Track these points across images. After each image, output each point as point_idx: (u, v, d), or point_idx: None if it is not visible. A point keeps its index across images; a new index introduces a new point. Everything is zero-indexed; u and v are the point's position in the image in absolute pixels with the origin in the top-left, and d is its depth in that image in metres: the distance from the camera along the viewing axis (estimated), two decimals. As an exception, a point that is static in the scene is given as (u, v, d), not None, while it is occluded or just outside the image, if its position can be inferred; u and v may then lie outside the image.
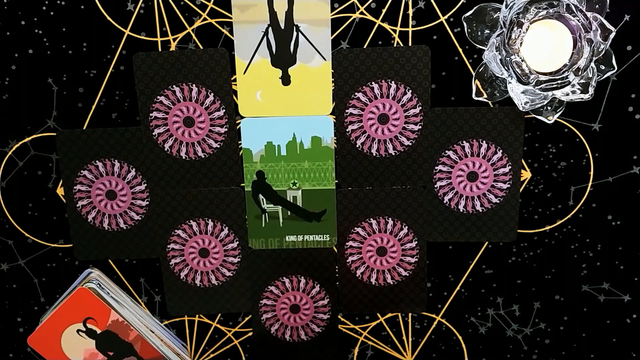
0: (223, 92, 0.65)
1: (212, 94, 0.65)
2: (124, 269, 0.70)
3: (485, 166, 0.66)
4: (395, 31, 0.63)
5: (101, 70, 0.65)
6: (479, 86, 0.63)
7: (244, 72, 0.64)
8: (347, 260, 0.69)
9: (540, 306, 0.70)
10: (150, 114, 0.66)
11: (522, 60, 0.59)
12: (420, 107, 0.65)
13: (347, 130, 0.66)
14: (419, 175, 0.67)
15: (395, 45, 0.63)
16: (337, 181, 0.67)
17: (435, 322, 0.71)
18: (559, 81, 0.59)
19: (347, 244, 0.69)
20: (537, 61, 0.59)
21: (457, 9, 0.62)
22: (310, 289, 0.70)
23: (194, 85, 0.65)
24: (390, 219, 0.68)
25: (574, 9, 0.58)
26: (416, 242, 0.69)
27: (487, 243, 0.68)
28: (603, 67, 0.60)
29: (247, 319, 0.72)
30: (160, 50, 0.64)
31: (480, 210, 0.67)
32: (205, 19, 0.63)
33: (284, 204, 0.68)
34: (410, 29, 0.63)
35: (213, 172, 0.67)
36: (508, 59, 0.59)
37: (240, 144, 0.66)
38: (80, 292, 0.68)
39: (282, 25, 0.63)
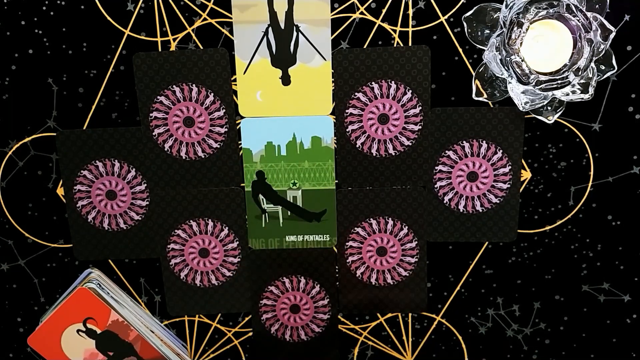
0: (223, 92, 0.65)
1: (212, 94, 0.65)
2: (124, 269, 0.70)
3: (485, 166, 0.66)
4: (395, 31, 0.63)
5: (101, 70, 0.65)
6: (479, 86, 0.63)
7: (244, 72, 0.64)
8: (347, 260, 0.69)
9: (540, 306, 0.70)
10: (150, 114, 0.66)
11: (522, 60, 0.59)
12: (420, 107, 0.65)
13: (347, 130, 0.66)
14: (419, 175, 0.67)
15: (395, 45, 0.63)
16: (337, 181, 0.67)
17: (435, 322, 0.71)
18: (559, 81, 0.59)
19: (347, 244, 0.69)
20: (537, 61, 0.59)
21: (457, 9, 0.62)
22: (310, 289, 0.70)
23: (194, 85, 0.65)
24: (390, 219, 0.68)
25: (574, 9, 0.58)
26: (416, 242, 0.69)
27: (487, 243, 0.68)
28: (603, 67, 0.60)
29: (247, 319, 0.72)
30: (160, 50, 0.64)
31: (480, 210, 0.67)
32: (205, 19, 0.63)
33: (284, 204, 0.68)
34: (410, 29, 0.63)
35: (213, 172, 0.67)
36: (508, 59, 0.59)
37: (240, 144, 0.66)
38: (80, 292, 0.68)
39: (282, 25, 0.63)
